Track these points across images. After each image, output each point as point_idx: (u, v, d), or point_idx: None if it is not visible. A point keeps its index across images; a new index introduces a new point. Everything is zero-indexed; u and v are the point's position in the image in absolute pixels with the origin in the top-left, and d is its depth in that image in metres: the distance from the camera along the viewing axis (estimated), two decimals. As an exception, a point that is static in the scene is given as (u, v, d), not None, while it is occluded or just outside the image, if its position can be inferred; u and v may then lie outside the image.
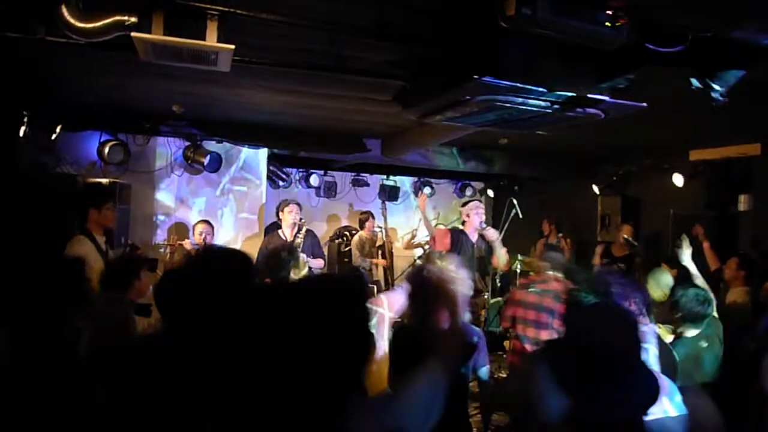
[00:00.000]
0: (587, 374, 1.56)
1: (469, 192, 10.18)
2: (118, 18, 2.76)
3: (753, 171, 6.12)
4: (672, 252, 4.74)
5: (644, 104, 3.39)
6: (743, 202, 6.17)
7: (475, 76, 2.72)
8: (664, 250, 6.68)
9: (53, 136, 5.69)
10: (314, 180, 9.06)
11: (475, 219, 5.31)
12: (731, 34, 2.36)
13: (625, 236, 6.58)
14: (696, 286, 3.59)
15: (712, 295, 3.49)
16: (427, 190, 9.78)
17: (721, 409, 2.61)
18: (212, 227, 6.05)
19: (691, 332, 3.36)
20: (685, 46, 2.56)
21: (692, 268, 4.22)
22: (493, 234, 5.31)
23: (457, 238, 5.28)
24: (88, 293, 2.64)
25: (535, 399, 1.74)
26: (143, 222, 6.44)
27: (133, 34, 2.74)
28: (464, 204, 5.60)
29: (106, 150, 6.03)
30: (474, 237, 5.33)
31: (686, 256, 4.30)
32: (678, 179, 6.80)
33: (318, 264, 5.97)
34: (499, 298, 7.28)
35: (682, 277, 4.23)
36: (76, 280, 2.42)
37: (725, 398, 2.81)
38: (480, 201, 5.63)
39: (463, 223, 5.45)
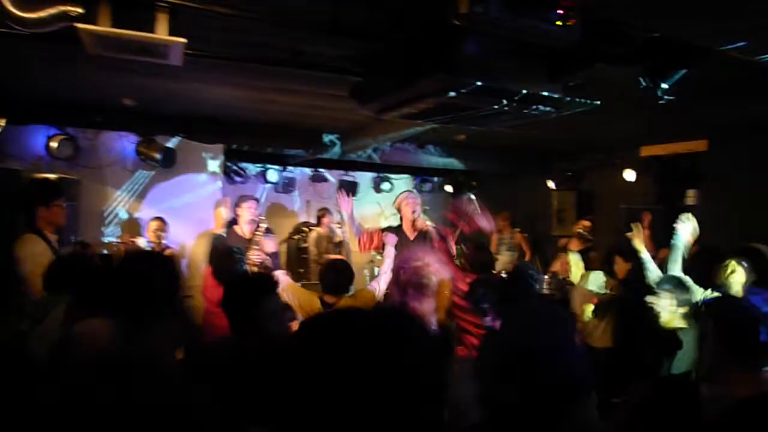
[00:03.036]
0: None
1: (427, 187, 10.24)
2: (62, 8, 2.65)
3: (700, 166, 6.35)
4: (623, 244, 4.88)
5: (597, 102, 3.47)
6: (691, 197, 6.40)
7: (429, 73, 2.73)
8: (616, 243, 6.87)
9: (-4, 130, 5.47)
10: (272, 176, 8.96)
11: (407, 211, 4.91)
12: (677, 34, 2.43)
13: (579, 230, 6.72)
14: None
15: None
16: (386, 185, 9.79)
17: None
18: (166, 224, 5.94)
19: None
20: (634, 46, 2.63)
21: (645, 254, 4.33)
22: (422, 225, 4.88)
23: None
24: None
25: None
26: (93, 219, 6.25)
27: (77, 25, 2.64)
28: (396, 197, 5.17)
29: (55, 145, 5.84)
30: (413, 233, 4.91)
31: (638, 242, 4.42)
32: (629, 174, 6.99)
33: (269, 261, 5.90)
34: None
35: (636, 268, 4.37)
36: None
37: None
38: (411, 191, 5.26)
39: (401, 218, 5.03)
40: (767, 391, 1.89)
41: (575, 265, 5.68)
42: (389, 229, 5.01)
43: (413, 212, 4.87)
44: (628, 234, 4.53)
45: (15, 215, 4.66)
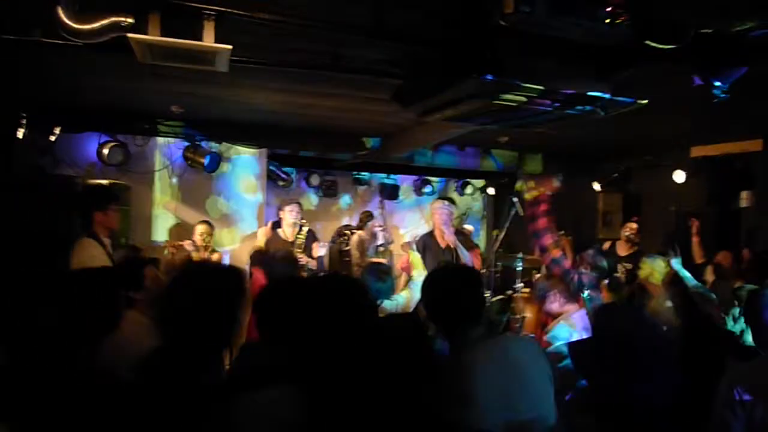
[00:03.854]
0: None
1: (469, 190, 10.16)
2: (114, 19, 2.74)
3: (754, 167, 6.11)
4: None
5: (645, 101, 3.37)
6: (745, 198, 6.16)
7: (474, 75, 2.70)
8: (665, 247, 6.67)
9: (52, 138, 5.68)
10: (314, 179, 9.04)
11: (437, 221, 5.15)
12: (732, 30, 2.34)
13: (626, 233, 6.55)
14: None
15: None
16: (427, 188, 9.74)
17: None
18: (212, 228, 6.06)
19: None
20: (686, 43, 2.55)
21: (683, 272, 4.28)
22: (450, 241, 5.08)
23: (423, 242, 5.17)
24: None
25: None
26: (143, 223, 6.42)
27: (129, 35, 2.72)
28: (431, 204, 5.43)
29: (106, 151, 6.02)
30: (442, 240, 5.11)
31: (676, 263, 4.36)
32: (679, 176, 6.77)
33: (314, 264, 5.96)
34: (501, 296, 7.28)
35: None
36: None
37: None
38: (445, 202, 5.32)
39: (433, 225, 5.30)
40: None
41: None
42: (422, 237, 5.27)
43: (443, 224, 5.08)
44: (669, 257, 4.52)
45: (71, 219, 4.83)
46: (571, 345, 2.32)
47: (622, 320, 2.11)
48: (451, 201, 5.56)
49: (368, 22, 2.99)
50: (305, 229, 5.93)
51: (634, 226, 6.53)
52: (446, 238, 5.06)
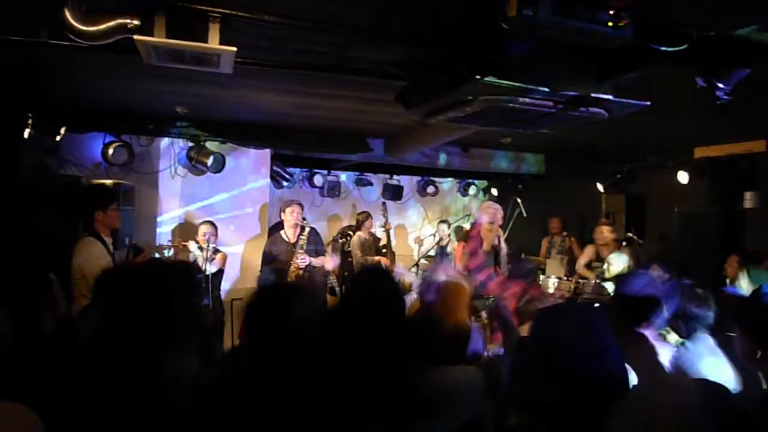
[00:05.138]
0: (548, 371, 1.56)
1: (472, 191, 10.18)
2: (120, 21, 2.76)
3: (758, 167, 6.10)
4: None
5: (648, 102, 3.38)
6: (749, 199, 6.15)
7: (477, 77, 2.72)
8: (668, 247, 6.68)
9: (57, 138, 5.72)
10: (318, 180, 9.07)
11: (484, 219, 5.27)
12: (733, 32, 2.35)
13: (629, 235, 6.55)
14: None
15: None
16: (430, 189, 9.76)
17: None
18: (216, 228, 6.06)
19: None
20: (689, 45, 2.56)
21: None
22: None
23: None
24: None
25: None
26: (147, 223, 6.46)
27: (135, 36, 2.74)
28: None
29: (111, 151, 6.05)
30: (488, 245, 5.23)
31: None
32: (683, 177, 6.77)
33: (320, 262, 5.99)
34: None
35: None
36: None
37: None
38: (495, 204, 5.51)
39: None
40: None
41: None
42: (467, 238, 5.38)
43: (491, 223, 5.18)
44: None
45: (76, 219, 4.87)
46: None
47: None
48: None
49: (373, 24, 3.01)
50: (307, 229, 5.95)
51: (608, 228, 6.51)
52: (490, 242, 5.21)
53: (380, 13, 2.95)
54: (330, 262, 5.66)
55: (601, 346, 1.56)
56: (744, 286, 3.85)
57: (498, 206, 5.44)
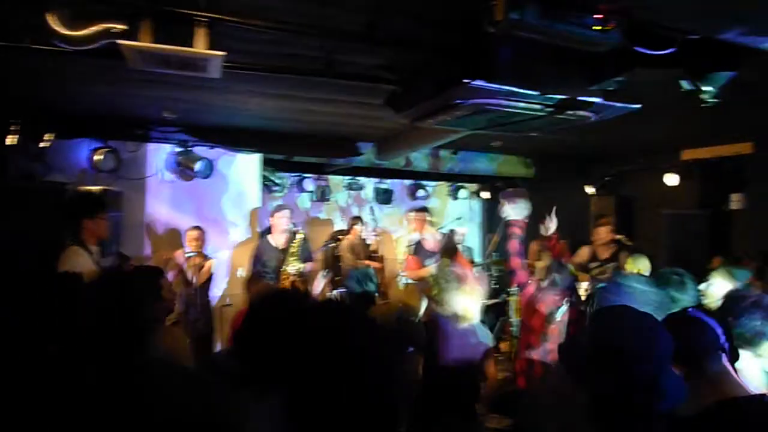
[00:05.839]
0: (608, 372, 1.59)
1: (462, 194, 10.18)
2: (105, 26, 2.74)
3: (745, 169, 6.15)
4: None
5: (636, 106, 3.39)
6: (736, 201, 6.21)
7: (466, 80, 2.71)
8: (658, 249, 6.70)
9: (43, 145, 5.65)
10: (308, 184, 9.04)
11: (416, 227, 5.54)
12: (719, 36, 2.36)
13: (619, 237, 6.56)
14: None
15: None
16: (421, 192, 9.77)
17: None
18: (204, 233, 6.02)
19: None
20: (675, 48, 2.57)
21: None
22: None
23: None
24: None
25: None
26: (135, 230, 6.40)
27: (120, 41, 2.72)
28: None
29: (98, 157, 5.99)
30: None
31: None
32: (671, 179, 6.81)
33: (308, 267, 5.96)
34: (496, 300, 7.32)
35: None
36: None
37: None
38: (420, 210, 5.73)
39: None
40: None
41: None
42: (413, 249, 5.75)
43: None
44: None
45: (62, 227, 4.80)
46: None
47: None
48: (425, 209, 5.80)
49: (361, 29, 3.00)
50: (299, 236, 5.92)
51: (608, 228, 6.53)
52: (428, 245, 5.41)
53: (369, 16, 2.95)
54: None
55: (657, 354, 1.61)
56: (718, 285, 3.84)
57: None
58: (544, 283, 3.94)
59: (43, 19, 2.67)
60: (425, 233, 5.45)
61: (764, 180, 5.94)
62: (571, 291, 3.93)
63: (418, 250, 5.53)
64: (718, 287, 3.45)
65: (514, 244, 4.23)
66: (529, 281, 4.12)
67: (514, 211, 4.30)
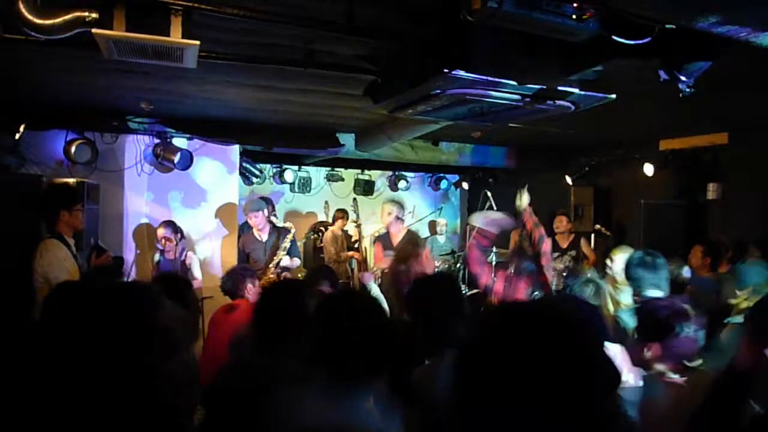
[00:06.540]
0: None
1: (444, 185, 10.22)
2: (77, 14, 2.68)
3: (721, 160, 6.24)
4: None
5: (613, 96, 3.42)
6: (712, 191, 6.30)
7: (445, 70, 2.71)
8: (634, 238, 6.79)
9: (17, 136, 5.54)
10: (288, 176, 8.99)
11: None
12: (695, 25, 2.38)
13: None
14: None
15: None
16: (402, 183, 9.78)
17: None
18: (175, 228, 5.78)
19: None
20: (652, 38, 2.58)
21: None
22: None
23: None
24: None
25: None
26: (112, 222, 6.31)
27: (93, 30, 2.67)
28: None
29: (73, 149, 5.88)
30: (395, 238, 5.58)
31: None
32: (648, 169, 6.89)
33: (294, 264, 5.93)
34: (476, 290, 7.35)
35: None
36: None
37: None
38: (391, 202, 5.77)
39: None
40: None
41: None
42: (380, 238, 5.79)
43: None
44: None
45: (37, 220, 4.72)
46: None
47: None
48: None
49: (340, 18, 2.98)
50: (292, 232, 5.86)
51: (565, 218, 6.67)
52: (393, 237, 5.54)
53: (348, 6, 2.92)
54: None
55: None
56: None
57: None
58: (510, 271, 4.01)
59: (13, 7, 2.61)
60: (391, 227, 5.52)
61: (740, 170, 6.03)
62: (536, 274, 4.00)
63: (383, 240, 5.63)
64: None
65: (473, 253, 4.24)
66: (494, 278, 4.16)
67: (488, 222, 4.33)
